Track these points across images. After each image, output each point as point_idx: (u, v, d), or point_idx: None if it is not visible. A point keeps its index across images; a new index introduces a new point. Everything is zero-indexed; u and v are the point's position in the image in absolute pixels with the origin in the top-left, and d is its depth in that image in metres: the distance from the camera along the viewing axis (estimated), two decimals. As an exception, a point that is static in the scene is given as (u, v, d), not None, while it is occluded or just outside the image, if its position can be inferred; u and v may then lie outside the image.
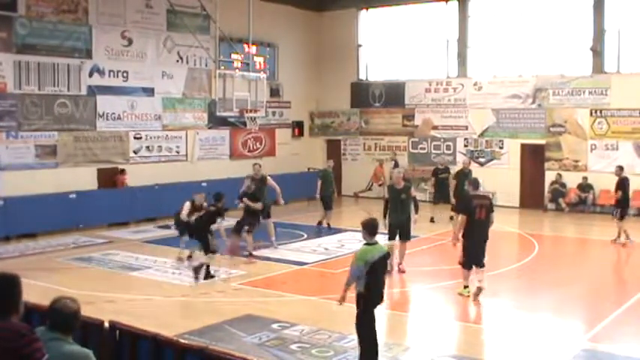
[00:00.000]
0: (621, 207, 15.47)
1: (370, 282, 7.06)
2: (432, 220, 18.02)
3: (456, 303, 10.67)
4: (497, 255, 14.45)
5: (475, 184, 11.13)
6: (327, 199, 17.59)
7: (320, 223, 17.53)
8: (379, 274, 7.21)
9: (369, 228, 7.27)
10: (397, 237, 12.45)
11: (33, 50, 17.08)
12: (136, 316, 8.86)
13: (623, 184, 15.59)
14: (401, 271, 12.54)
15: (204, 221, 12.13)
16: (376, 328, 7.36)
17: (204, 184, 19.55)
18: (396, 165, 21.44)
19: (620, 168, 16.00)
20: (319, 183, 17.67)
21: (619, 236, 15.50)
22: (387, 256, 7.38)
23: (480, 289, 10.49)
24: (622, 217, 15.43)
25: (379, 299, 7.31)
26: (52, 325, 3.88)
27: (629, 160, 19.81)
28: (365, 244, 7.27)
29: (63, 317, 3.88)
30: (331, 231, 17.05)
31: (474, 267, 10.70)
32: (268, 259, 13.71)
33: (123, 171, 19.31)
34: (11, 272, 3.90)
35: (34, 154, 17.20)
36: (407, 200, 12.39)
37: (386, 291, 7.52)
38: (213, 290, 11.29)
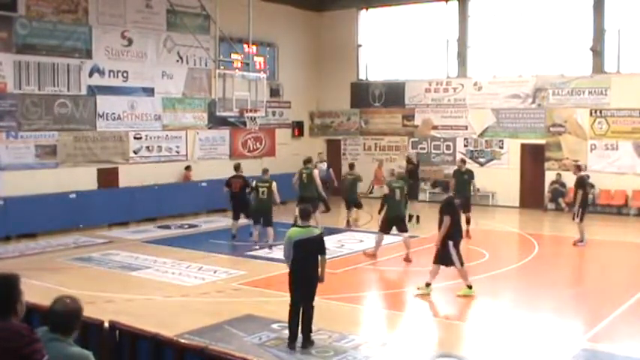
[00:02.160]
0: (582, 207, 15.25)
1: (295, 258, 8.13)
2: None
3: (456, 303, 10.67)
4: (497, 255, 14.48)
5: (446, 187, 12.12)
6: (351, 202, 17.82)
7: (348, 223, 17.73)
8: (305, 253, 8.10)
9: (300, 213, 8.74)
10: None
11: (33, 50, 17.08)
12: (135, 316, 8.87)
13: (583, 183, 15.46)
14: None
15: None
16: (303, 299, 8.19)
17: (204, 184, 19.60)
18: (329, 167, 21.36)
19: (578, 167, 15.97)
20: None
21: (582, 237, 15.38)
22: (316, 238, 8.19)
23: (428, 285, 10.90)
24: (582, 218, 15.24)
25: (306, 275, 8.15)
26: (53, 326, 3.87)
27: (629, 160, 19.86)
28: (296, 225, 8.56)
29: (63, 318, 3.87)
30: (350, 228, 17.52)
31: (442, 266, 10.90)
32: (268, 259, 13.71)
33: (189, 167, 20.31)
34: (11, 272, 3.89)
35: (34, 154, 17.20)
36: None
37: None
38: (213, 290, 11.30)
